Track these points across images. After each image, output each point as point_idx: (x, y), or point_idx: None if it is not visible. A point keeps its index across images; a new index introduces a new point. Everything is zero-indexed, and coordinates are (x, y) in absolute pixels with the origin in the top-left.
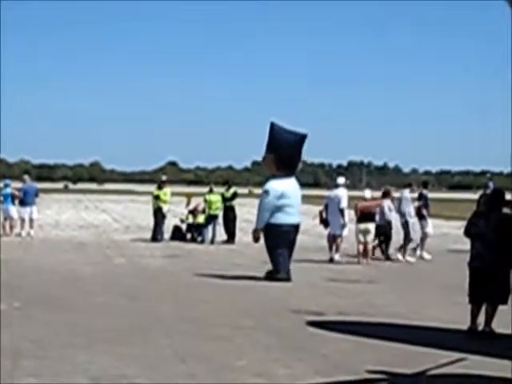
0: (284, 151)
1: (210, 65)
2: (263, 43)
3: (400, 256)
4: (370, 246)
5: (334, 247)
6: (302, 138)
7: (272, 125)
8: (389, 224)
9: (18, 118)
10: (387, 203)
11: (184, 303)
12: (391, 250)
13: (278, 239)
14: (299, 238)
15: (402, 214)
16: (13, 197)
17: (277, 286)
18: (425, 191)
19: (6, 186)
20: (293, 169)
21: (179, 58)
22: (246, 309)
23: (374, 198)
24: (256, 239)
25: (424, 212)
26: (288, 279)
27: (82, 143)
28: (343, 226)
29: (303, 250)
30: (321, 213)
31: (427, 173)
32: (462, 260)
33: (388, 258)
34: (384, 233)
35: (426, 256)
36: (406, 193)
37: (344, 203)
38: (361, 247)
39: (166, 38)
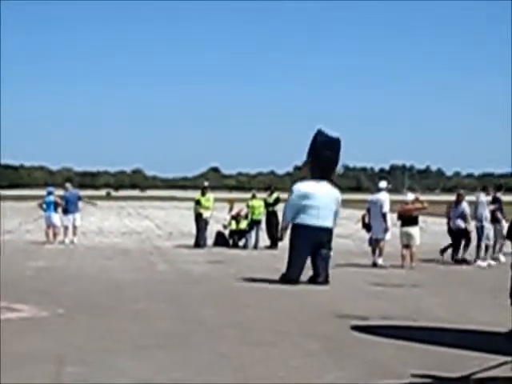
0: (317, 155)
1: (252, 69)
2: (303, 46)
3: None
4: (413, 250)
5: (377, 251)
6: (335, 141)
7: (317, 132)
8: (465, 228)
9: (60, 125)
10: (464, 206)
11: (227, 308)
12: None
13: (296, 239)
14: (342, 242)
15: (478, 219)
16: (56, 204)
17: (320, 291)
18: (499, 194)
19: (49, 193)
20: (326, 172)
21: (219, 62)
22: (290, 314)
23: (416, 201)
24: (280, 237)
25: (499, 215)
26: (293, 281)
27: (124, 150)
28: (386, 230)
29: (347, 255)
30: (363, 217)
31: (470, 175)
32: None
33: (459, 261)
34: (459, 236)
35: (502, 259)
36: (482, 196)
37: (386, 207)
38: (404, 251)
39: (206, 40)
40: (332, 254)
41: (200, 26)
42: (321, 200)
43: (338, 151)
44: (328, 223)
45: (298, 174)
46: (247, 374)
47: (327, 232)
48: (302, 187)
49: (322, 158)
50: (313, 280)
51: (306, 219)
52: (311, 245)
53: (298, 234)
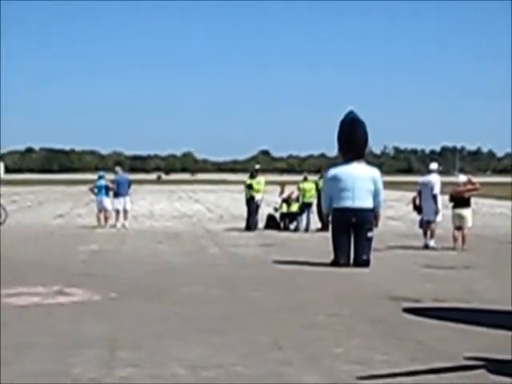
0: (344, 137)
1: (303, 51)
2: (353, 29)
3: None
4: (465, 232)
5: (428, 233)
6: (351, 120)
7: (350, 114)
8: None
9: (111, 110)
10: None
11: (279, 291)
12: None
13: (335, 223)
14: (393, 224)
15: None
16: (107, 188)
17: (372, 273)
18: None
19: (100, 177)
20: (356, 154)
21: (269, 45)
22: (342, 296)
23: (468, 183)
24: (327, 224)
25: None
26: (342, 265)
27: (175, 134)
28: (437, 212)
29: (398, 237)
30: (414, 199)
31: None
32: None
33: None
34: None
35: None
36: None
37: (437, 189)
38: (456, 233)
39: (258, 23)
40: (372, 234)
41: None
42: (354, 181)
43: (363, 130)
44: (365, 203)
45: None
46: (300, 353)
47: (366, 212)
48: (332, 172)
49: (350, 139)
50: (353, 262)
51: (341, 202)
52: (351, 227)
53: (336, 218)
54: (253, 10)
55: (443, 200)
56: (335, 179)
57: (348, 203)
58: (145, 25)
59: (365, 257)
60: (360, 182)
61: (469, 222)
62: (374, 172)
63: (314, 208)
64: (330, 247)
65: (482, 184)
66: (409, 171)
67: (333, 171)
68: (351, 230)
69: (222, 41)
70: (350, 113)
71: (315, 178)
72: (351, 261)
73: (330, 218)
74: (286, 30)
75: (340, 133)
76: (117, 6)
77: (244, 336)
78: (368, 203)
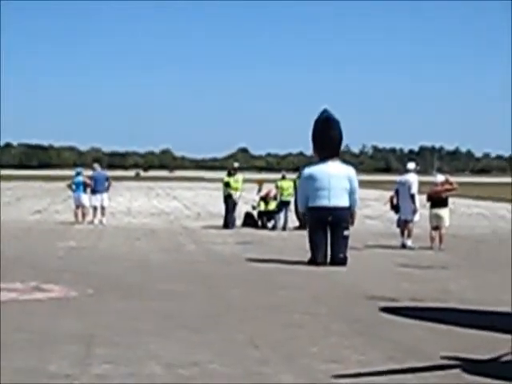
0: (318, 135)
1: (283, 50)
2: (333, 27)
3: None
4: (442, 231)
5: (405, 233)
6: (326, 118)
7: (324, 112)
8: None
9: (89, 106)
10: None
11: (256, 289)
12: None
13: (312, 222)
14: (371, 223)
15: None
16: (85, 185)
17: (349, 272)
18: None
19: (78, 174)
20: (332, 152)
21: (249, 42)
22: (319, 295)
23: (445, 183)
24: (304, 224)
25: None
26: (334, 263)
27: (153, 131)
28: (414, 212)
29: (375, 236)
30: (391, 198)
31: (499, 157)
32: None
33: None
34: None
35: None
36: None
37: (414, 188)
38: (433, 233)
39: (237, 22)
40: (348, 233)
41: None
42: (329, 180)
43: (338, 128)
44: (341, 202)
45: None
46: (277, 352)
47: (342, 211)
48: (307, 171)
49: (325, 137)
50: (330, 261)
51: (317, 201)
52: (327, 225)
53: (313, 217)
54: (231, 10)
55: (421, 200)
56: (311, 178)
57: (324, 202)
58: (127, 23)
59: (341, 255)
60: (335, 180)
61: (446, 222)
62: (350, 170)
63: (292, 206)
64: (308, 246)
65: (460, 184)
66: (387, 170)
67: (308, 170)
68: (328, 229)
69: (202, 39)
70: (324, 111)
71: (293, 176)
72: (328, 259)
73: (306, 217)
74: (262, 28)
75: (314, 131)
76: (103, 6)
77: (221, 334)
78: (344, 202)
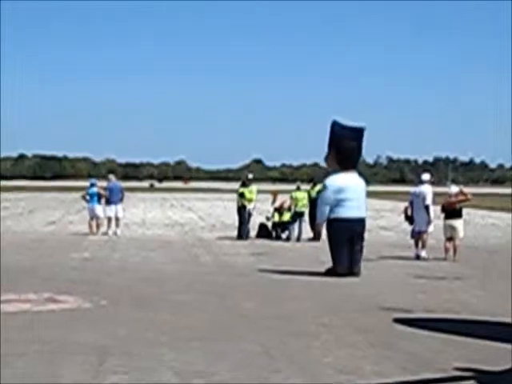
0: (343, 147)
1: (295, 62)
2: (349, 40)
3: None
4: (457, 243)
5: (420, 244)
6: (360, 131)
7: (333, 123)
8: None
9: (104, 117)
10: None
11: (270, 300)
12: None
13: (337, 234)
14: (385, 234)
15: None
16: (99, 196)
17: (363, 283)
18: None
19: (92, 185)
20: (354, 164)
21: (263, 55)
22: (333, 306)
23: (459, 194)
24: (317, 234)
25: None
26: (351, 274)
27: (168, 142)
28: (428, 223)
29: (390, 247)
30: (406, 209)
31: None
32: None
33: None
34: None
35: None
36: None
37: (429, 200)
38: (447, 244)
39: (251, 33)
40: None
41: (240, 17)
42: (355, 191)
43: (362, 140)
44: (364, 214)
45: (328, 165)
46: (291, 362)
47: (364, 223)
48: (335, 181)
49: (349, 148)
50: (350, 271)
51: (344, 212)
52: (350, 236)
53: (339, 228)
54: (246, 17)
55: (435, 210)
56: (340, 190)
57: (354, 213)
58: (141, 31)
59: (359, 266)
60: (360, 192)
61: (460, 233)
62: (364, 183)
63: (306, 217)
64: (322, 256)
65: (475, 195)
66: (402, 181)
67: (336, 182)
68: (351, 240)
69: (218, 48)
70: (343, 124)
71: (308, 187)
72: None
73: (320, 229)
74: (279, 38)
75: (342, 140)
76: (115, 12)
77: (235, 344)
78: (365, 213)
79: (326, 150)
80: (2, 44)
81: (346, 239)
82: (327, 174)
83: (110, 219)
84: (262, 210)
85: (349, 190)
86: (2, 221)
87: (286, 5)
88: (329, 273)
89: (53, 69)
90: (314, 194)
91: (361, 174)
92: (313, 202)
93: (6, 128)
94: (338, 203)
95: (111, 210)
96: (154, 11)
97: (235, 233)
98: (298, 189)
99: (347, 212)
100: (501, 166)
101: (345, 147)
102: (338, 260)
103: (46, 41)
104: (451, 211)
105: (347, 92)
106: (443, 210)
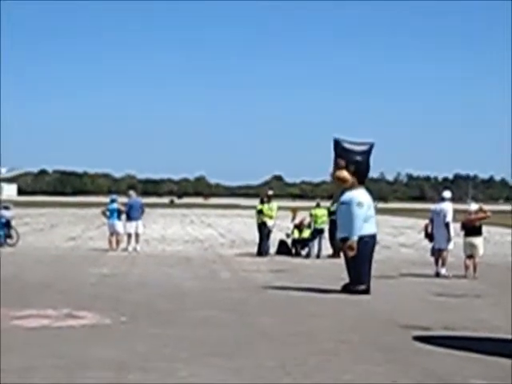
0: (358, 162)
1: (312, 78)
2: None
3: None
4: (477, 260)
5: (440, 261)
6: (371, 147)
7: (337, 141)
8: None
9: (124, 133)
10: None
11: (289, 317)
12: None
13: (364, 250)
14: (405, 251)
15: None
16: (119, 212)
17: (383, 300)
18: None
19: (113, 201)
20: (364, 179)
21: (284, 72)
22: (352, 323)
23: (479, 211)
24: (339, 251)
25: None
26: (368, 291)
27: (188, 158)
28: (449, 240)
29: (410, 264)
30: (426, 227)
31: None
32: None
33: None
34: None
35: None
36: None
37: (449, 217)
38: (467, 261)
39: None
40: None
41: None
42: (372, 207)
43: (370, 156)
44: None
45: (335, 183)
46: (309, 379)
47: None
48: (366, 198)
49: (365, 165)
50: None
51: (371, 228)
52: (371, 253)
53: (369, 245)
54: (267, 33)
55: (455, 228)
56: (369, 205)
57: (375, 229)
58: (163, 46)
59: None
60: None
61: (480, 251)
62: None
63: (326, 234)
64: (342, 273)
65: (495, 212)
66: (422, 198)
67: (367, 198)
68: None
69: (239, 64)
70: (351, 141)
71: (327, 204)
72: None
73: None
74: (295, 54)
75: (358, 160)
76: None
77: (253, 361)
78: None
79: (332, 166)
80: (25, 56)
81: (369, 255)
82: (344, 190)
83: (129, 235)
84: (281, 227)
85: (371, 207)
86: (23, 236)
87: (305, 20)
88: (347, 290)
89: (71, 84)
90: (334, 210)
91: (386, 191)
92: (332, 219)
93: (26, 143)
94: (366, 219)
95: (131, 226)
96: (177, 24)
97: (255, 249)
98: (318, 206)
99: (372, 228)
100: None
101: (359, 162)
102: (363, 276)
103: (67, 55)
104: (471, 229)
105: (368, 108)
106: (463, 227)
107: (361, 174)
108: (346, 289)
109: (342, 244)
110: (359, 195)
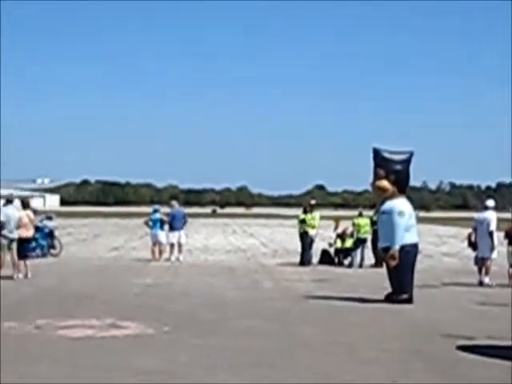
0: (398, 172)
1: (352, 86)
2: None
3: None
4: None
5: (483, 270)
6: (410, 156)
7: (376, 150)
8: None
9: (166, 143)
10: None
11: (332, 326)
12: None
13: (406, 259)
14: (449, 260)
15: None
16: (162, 222)
17: (426, 310)
18: None
19: (155, 211)
20: (405, 188)
21: (319, 84)
22: (395, 332)
23: None
24: (381, 260)
25: None
26: (410, 301)
27: (230, 168)
28: (492, 249)
29: (453, 273)
30: (469, 235)
31: None
32: None
33: None
34: None
35: None
36: None
37: (493, 226)
38: (511, 270)
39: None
40: None
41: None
42: (413, 217)
43: (410, 165)
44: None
45: (375, 193)
46: None
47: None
48: (407, 207)
49: (405, 174)
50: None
51: (413, 238)
52: (413, 262)
53: (411, 254)
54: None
55: (498, 237)
56: (410, 214)
57: (417, 238)
58: (201, 61)
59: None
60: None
61: None
62: None
63: (369, 243)
64: (385, 283)
65: None
66: (464, 207)
67: (408, 207)
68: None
69: (279, 76)
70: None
71: (370, 213)
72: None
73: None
74: (337, 67)
75: (399, 169)
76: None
77: (295, 371)
78: None
79: (372, 176)
80: (64, 72)
81: (412, 265)
82: (384, 199)
83: (172, 245)
84: (324, 237)
85: (412, 216)
86: (66, 246)
87: (342, 33)
88: (391, 299)
89: (114, 96)
90: (376, 219)
91: (428, 200)
92: (375, 229)
93: (68, 154)
94: (408, 228)
95: (174, 236)
96: (194, 24)
97: (297, 259)
98: (361, 215)
99: (415, 237)
100: None
101: (400, 172)
102: (407, 285)
103: (97, 72)
104: None
105: (409, 118)
106: (507, 236)
107: (401, 183)
108: (388, 298)
109: (383, 253)
110: (400, 204)
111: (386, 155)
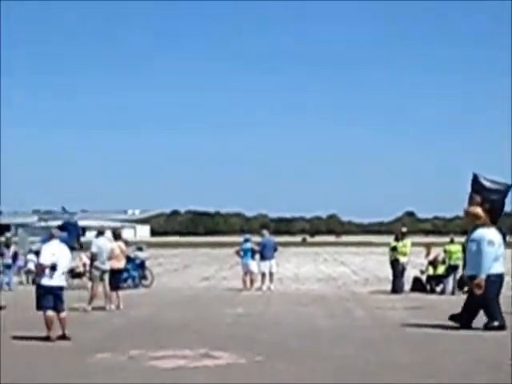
0: (493, 201)
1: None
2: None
3: None
4: None
5: None
6: (508, 188)
7: (476, 176)
8: None
9: (256, 171)
10: None
11: (426, 355)
12: None
13: (494, 288)
14: None
15: None
16: (253, 251)
17: None
18: None
19: (247, 240)
20: (498, 219)
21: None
22: (487, 360)
23: None
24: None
25: None
26: (503, 327)
27: (320, 196)
28: None
29: None
30: None
31: None
32: None
33: None
34: None
35: None
36: None
37: None
38: None
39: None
40: None
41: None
42: (502, 247)
43: (506, 198)
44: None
45: (467, 218)
46: None
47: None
48: (497, 237)
49: (500, 204)
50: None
51: (499, 268)
52: (499, 291)
53: (496, 284)
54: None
55: None
56: (496, 244)
57: (502, 269)
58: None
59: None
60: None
61: None
62: None
63: (461, 270)
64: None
65: None
66: None
67: (498, 237)
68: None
69: (383, 102)
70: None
71: (462, 239)
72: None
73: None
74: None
75: (498, 198)
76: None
77: None
78: None
79: (467, 201)
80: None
81: (498, 293)
82: (475, 227)
83: (263, 274)
84: (415, 264)
85: (501, 246)
86: (157, 277)
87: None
88: (489, 327)
89: (206, 123)
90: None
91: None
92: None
93: (159, 185)
94: (495, 258)
95: (265, 266)
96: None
97: (389, 287)
98: (452, 241)
99: (500, 268)
100: None
101: (496, 201)
102: (497, 313)
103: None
104: None
105: (496, 144)
106: None
107: (495, 213)
108: (488, 327)
109: (469, 281)
110: (490, 233)
111: (485, 183)
